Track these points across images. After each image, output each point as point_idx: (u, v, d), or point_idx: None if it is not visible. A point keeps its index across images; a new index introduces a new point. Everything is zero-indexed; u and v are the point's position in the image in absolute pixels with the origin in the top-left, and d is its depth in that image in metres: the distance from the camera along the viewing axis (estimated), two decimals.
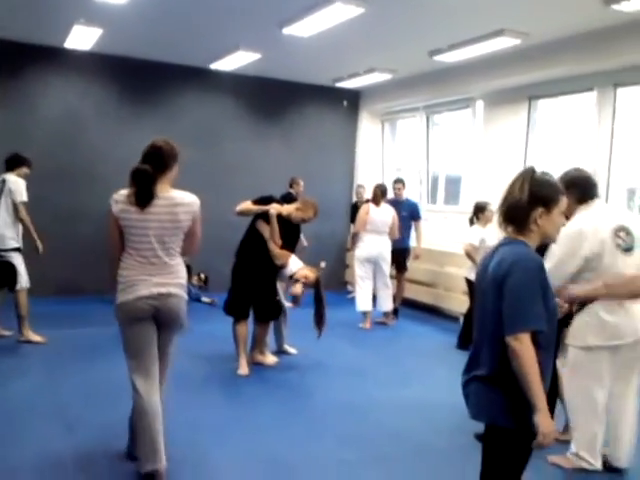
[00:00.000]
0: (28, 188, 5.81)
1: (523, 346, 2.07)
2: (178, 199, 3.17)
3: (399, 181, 7.91)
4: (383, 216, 7.14)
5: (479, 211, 6.47)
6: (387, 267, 7.25)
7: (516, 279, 2.12)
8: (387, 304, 7.34)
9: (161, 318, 3.21)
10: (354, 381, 5.16)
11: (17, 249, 5.80)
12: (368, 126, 9.78)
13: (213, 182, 8.59)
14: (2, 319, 5.91)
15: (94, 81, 8.20)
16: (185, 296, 3.30)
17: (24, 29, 7.11)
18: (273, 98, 9.18)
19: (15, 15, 6.56)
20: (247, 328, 5.25)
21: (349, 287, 9.24)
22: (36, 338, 5.88)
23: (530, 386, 2.08)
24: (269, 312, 5.35)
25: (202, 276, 8.55)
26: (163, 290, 3.17)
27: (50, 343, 5.80)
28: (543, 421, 2.08)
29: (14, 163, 5.88)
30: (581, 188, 3.57)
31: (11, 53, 7.64)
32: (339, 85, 9.08)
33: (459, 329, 6.64)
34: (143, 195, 3.10)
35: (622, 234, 3.44)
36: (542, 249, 3.56)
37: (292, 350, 5.87)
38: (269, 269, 5.19)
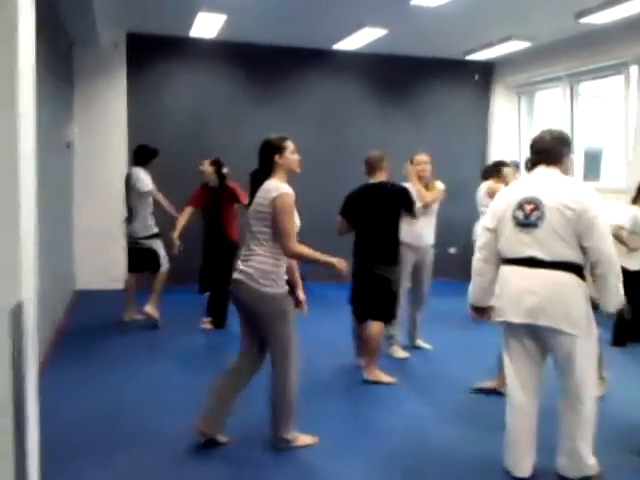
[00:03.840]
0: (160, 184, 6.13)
1: None
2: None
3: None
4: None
5: (637, 190, 5.72)
6: None
7: None
8: None
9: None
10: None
11: (153, 235, 6.07)
12: (502, 100, 9.06)
13: (337, 168, 8.36)
14: (137, 304, 6.14)
15: (218, 69, 8.21)
16: (256, 285, 3.27)
17: (151, 20, 7.22)
18: (399, 76, 8.74)
19: (144, 7, 6.65)
20: None
21: None
22: (154, 312, 6.01)
23: None
24: None
25: None
26: (235, 276, 3.40)
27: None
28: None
29: (143, 157, 6.09)
30: (531, 153, 3.30)
31: (140, 46, 7.79)
32: (470, 58, 8.45)
33: (612, 323, 5.90)
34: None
35: (527, 207, 3.06)
36: None
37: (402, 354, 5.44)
38: None
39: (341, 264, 3.41)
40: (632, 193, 5.84)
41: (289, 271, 3.52)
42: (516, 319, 3.08)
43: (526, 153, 8.74)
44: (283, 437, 3.44)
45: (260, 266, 3.30)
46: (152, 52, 7.90)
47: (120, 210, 7.70)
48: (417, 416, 4.07)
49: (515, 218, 3.09)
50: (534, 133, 8.86)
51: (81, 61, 7.55)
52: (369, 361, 4.66)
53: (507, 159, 7.29)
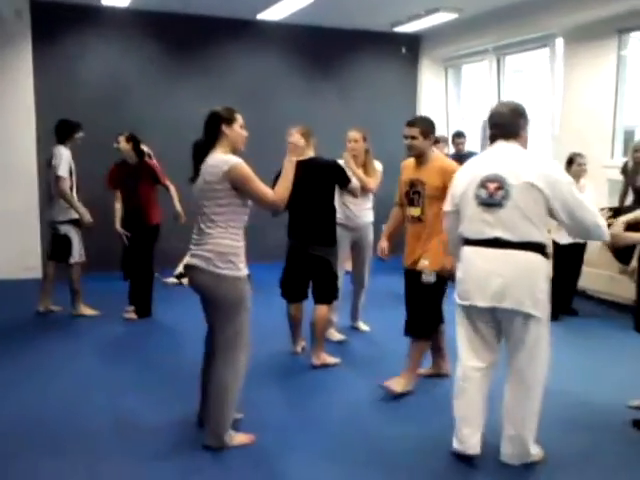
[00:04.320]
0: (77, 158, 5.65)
1: None
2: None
3: (461, 135, 7.33)
4: None
5: (567, 164, 5.73)
6: None
7: None
8: None
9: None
10: None
11: (71, 221, 5.57)
12: (429, 74, 8.97)
13: (264, 145, 8.06)
14: (54, 294, 5.78)
15: (135, 40, 7.69)
16: (213, 269, 3.06)
17: None
18: (326, 49, 8.47)
19: None
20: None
21: None
22: (89, 311, 5.74)
23: None
24: None
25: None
26: (189, 261, 3.18)
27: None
28: None
29: (63, 133, 5.58)
30: (489, 127, 3.12)
31: (46, 15, 7.16)
32: (397, 30, 8.30)
33: None
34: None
35: (491, 186, 2.91)
36: None
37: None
38: None
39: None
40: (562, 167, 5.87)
41: None
42: (482, 303, 2.94)
43: (454, 127, 8.75)
44: (219, 436, 3.19)
45: (217, 248, 3.06)
46: (60, 22, 7.27)
47: (34, 193, 7.20)
48: (361, 401, 3.90)
49: (478, 197, 2.94)
50: (461, 107, 8.79)
51: None
52: (316, 345, 4.48)
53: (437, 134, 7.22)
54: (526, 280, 2.87)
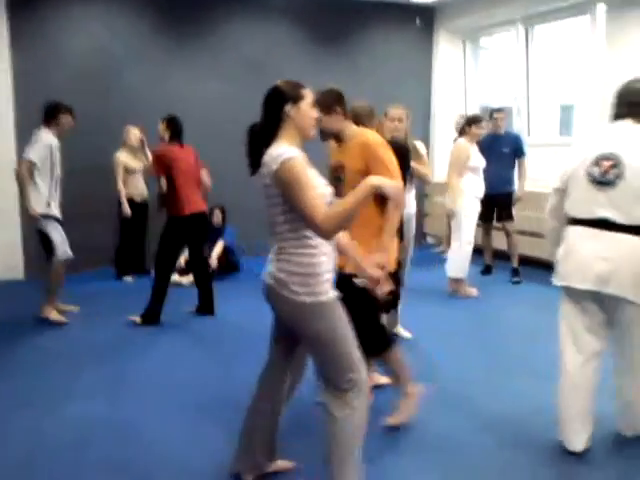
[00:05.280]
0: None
1: None
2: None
3: (501, 110, 6.52)
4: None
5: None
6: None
7: None
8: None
9: None
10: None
11: (46, 216, 4.88)
12: (446, 47, 8.29)
13: None
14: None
15: (124, 13, 6.88)
16: (288, 294, 2.33)
17: None
18: (334, 19, 7.78)
19: None
20: None
21: (430, 240, 8.45)
22: (56, 316, 5.05)
23: None
24: None
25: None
26: (265, 279, 2.48)
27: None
28: None
29: (47, 115, 4.93)
30: (617, 104, 2.92)
31: None
32: (413, 0, 7.59)
33: None
34: None
35: (605, 164, 2.77)
36: None
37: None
38: None
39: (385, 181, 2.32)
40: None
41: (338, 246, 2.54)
42: (582, 285, 2.82)
43: (472, 105, 8.08)
44: None
45: (291, 267, 2.34)
46: None
47: (13, 184, 6.33)
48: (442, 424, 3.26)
49: (590, 175, 2.80)
50: (479, 82, 8.02)
51: None
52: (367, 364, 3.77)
53: (460, 114, 6.60)
54: (632, 266, 2.72)
